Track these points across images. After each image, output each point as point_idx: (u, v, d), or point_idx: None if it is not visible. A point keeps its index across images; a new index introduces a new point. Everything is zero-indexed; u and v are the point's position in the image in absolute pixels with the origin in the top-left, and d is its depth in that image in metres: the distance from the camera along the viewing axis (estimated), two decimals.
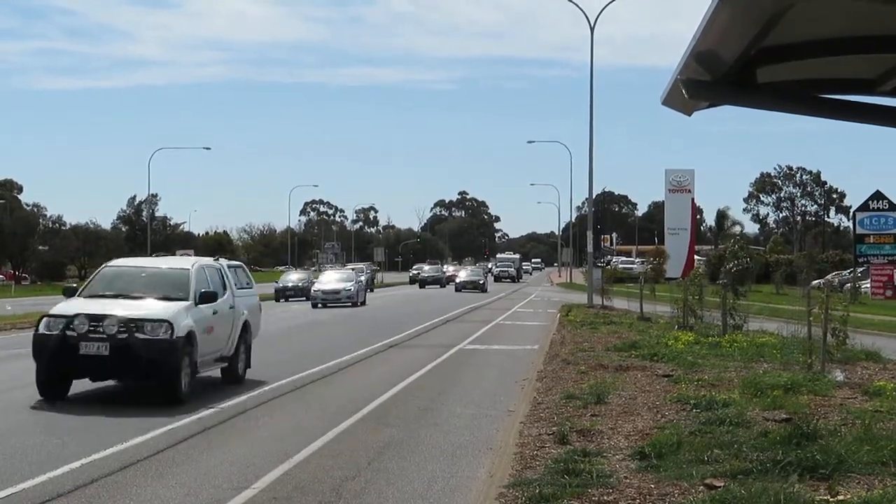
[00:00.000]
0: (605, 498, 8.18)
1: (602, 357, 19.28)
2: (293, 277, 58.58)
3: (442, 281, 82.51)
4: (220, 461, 10.26)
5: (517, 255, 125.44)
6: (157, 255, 23.70)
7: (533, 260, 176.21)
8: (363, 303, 48.45)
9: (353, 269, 58.29)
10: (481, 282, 71.56)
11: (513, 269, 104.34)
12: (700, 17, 6.14)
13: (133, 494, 8.91)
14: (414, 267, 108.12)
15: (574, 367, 17.42)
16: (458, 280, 73.71)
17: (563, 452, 9.82)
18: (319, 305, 46.15)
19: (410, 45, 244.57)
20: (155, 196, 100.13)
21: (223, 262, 17.80)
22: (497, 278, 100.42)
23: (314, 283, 51.17)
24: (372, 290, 65.48)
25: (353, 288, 47.66)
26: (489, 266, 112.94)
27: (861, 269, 55.04)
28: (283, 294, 54.05)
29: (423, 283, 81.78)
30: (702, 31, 6.15)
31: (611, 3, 45.77)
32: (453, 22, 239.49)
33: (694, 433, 10.54)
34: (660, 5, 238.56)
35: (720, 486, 8.21)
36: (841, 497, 7.98)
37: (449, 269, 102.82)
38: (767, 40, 6.47)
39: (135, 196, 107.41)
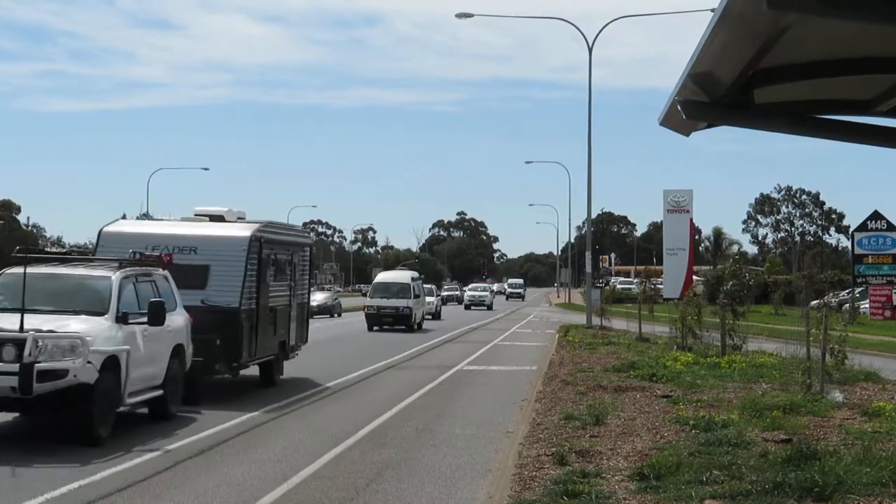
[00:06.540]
0: None
1: (601, 378, 19.26)
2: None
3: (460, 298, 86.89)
4: (217, 483, 10.22)
5: (416, 275, 47.24)
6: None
7: (510, 282, 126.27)
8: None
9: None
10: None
11: (406, 301, 41.03)
12: (698, 39, 6.17)
13: None
14: None
15: (573, 388, 17.38)
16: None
17: (562, 473, 9.79)
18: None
19: (413, 67, 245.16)
20: (147, 215, 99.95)
21: None
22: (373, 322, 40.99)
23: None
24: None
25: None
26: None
27: (860, 290, 55.04)
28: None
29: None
30: (699, 53, 6.17)
31: (608, 25, 46.12)
32: (457, 45, 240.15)
33: (693, 454, 10.52)
34: (659, 28, 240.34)
35: None
36: None
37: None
38: (764, 62, 6.49)
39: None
